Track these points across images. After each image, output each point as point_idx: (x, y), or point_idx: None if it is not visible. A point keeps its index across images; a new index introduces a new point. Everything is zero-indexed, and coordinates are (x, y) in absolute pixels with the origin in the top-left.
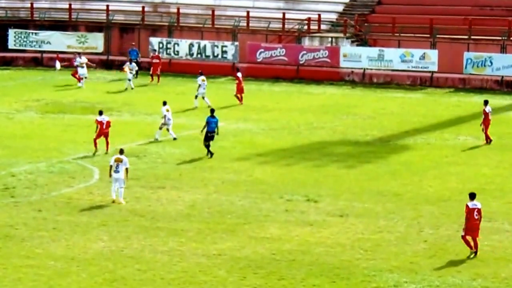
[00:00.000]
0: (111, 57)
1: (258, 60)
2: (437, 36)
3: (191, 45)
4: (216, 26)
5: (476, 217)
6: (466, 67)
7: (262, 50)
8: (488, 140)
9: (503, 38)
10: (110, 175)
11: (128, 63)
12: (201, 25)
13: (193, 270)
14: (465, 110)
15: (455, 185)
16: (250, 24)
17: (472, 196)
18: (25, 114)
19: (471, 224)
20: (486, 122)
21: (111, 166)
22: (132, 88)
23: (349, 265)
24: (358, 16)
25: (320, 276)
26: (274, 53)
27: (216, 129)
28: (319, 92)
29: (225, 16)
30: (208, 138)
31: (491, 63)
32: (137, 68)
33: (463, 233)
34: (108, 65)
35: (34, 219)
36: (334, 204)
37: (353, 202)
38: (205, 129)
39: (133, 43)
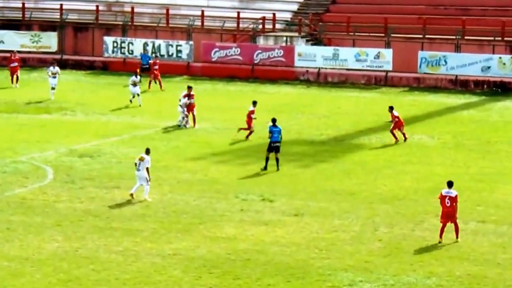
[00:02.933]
0: (65, 57)
1: (213, 60)
2: (392, 35)
3: (145, 44)
4: (170, 25)
5: (448, 204)
6: (420, 66)
7: (217, 49)
8: (400, 138)
9: (457, 37)
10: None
11: (133, 77)
12: (155, 24)
13: (148, 270)
14: (420, 109)
15: (410, 184)
16: (205, 24)
17: (450, 184)
18: None
19: (444, 211)
20: (399, 124)
21: (136, 164)
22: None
23: (304, 264)
24: (313, 15)
25: (275, 276)
26: (229, 52)
27: (280, 139)
28: (274, 91)
29: (180, 15)
30: (272, 148)
31: (446, 62)
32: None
33: (441, 220)
34: (62, 65)
35: None
36: (289, 203)
37: (308, 202)
38: (269, 139)
39: (146, 48)
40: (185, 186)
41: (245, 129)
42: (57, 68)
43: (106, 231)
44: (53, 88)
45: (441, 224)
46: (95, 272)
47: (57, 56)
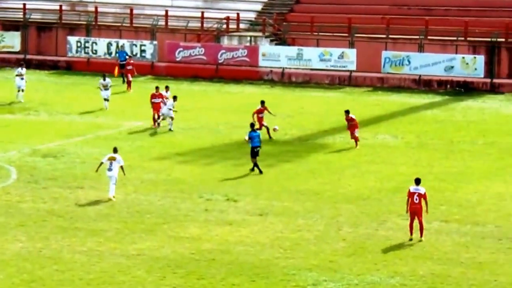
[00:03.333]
0: (28, 56)
1: (177, 59)
2: (356, 35)
3: (109, 44)
4: (134, 25)
5: (416, 201)
6: (384, 66)
7: (181, 49)
8: (352, 142)
9: (421, 37)
10: (97, 171)
11: (101, 80)
12: (119, 24)
13: (112, 270)
14: (384, 109)
15: (374, 184)
16: (169, 23)
17: (417, 181)
18: None
19: (412, 208)
20: (354, 127)
21: (101, 163)
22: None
23: (269, 264)
24: (277, 15)
25: (239, 275)
26: (193, 52)
27: (260, 143)
28: (238, 91)
29: (144, 15)
30: (255, 153)
31: (409, 62)
32: (110, 83)
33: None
34: (25, 65)
35: None
36: (254, 203)
37: (272, 201)
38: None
39: (122, 45)
40: (149, 186)
41: (259, 128)
42: (24, 70)
43: (70, 231)
44: (22, 90)
45: (407, 221)
46: (59, 272)
47: (21, 56)
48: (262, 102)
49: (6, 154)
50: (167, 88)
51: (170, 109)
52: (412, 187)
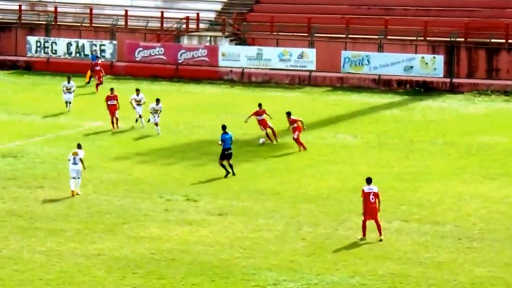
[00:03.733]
0: None
1: (137, 59)
2: (315, 35)
3: (69, 44)
4: (94, 25)
5: (372, 200)
6: (343, 66)
7: (141, 49)
8: (303, 146)
9: (380, 37)
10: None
11: (65, 82)
12: (79, 24)
13: (71, 270)
14: (343, 109)
15: (334, 184)
16: (129, 23)
17: (369, 180)
18: None
19: (369, 208)
20: (297, 129)
21: (69, 160)
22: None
23: (228, 263)
24: (237, 15)
25: (199, 275)
26: (153, 52)
27: (231, 146)
28: (198, 91)
29: (103, 15)
30: (225, 156)
31: (369, 62)
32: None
33: (363, 218)
34: None
35: None
36: (214, 203)
37: (232, 201)
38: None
39: (95, 49)
40: (109, 186)
41: (267, 133)
42: (72, 83)
43: (29, 231)
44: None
45: (361, 222)
46: (18, 272)
47: None
48: (260, 105)
49: None
50: (138, 91)
51: (156, 114)
52: (366, 187)
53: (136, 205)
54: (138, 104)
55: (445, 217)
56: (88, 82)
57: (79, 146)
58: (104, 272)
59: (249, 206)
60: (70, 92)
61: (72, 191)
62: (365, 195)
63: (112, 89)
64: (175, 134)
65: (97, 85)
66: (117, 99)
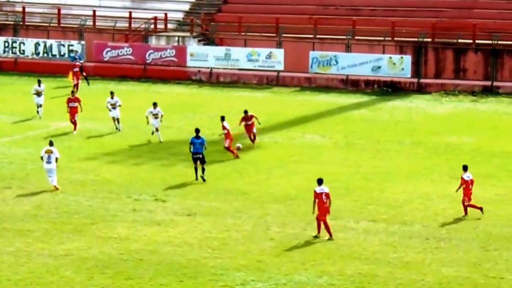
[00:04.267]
0: None
1: (105, 59)
2: (283, 35)
3: (37, 44)
4: (62, 25)
5: (325, 201)
6: (311, 66)
7: (109, 49)
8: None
9: (348, 37)
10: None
11: (36, 86)
12: (47, 24)
13: (40, 270)
14: (311, 109)
15: (301, 183)
16: (97, 23)
17: (320, 181)
18: None
19: (323, 207)
20: (228, 136)
21: (42, 157)
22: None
23: (197, 264)
24: (205, 15)
25: (168, 276)
26: (121, 52)
27: (203, 150)
28: (167, 91)
29: (71, 15)
30: (195, 159)
31: (336, 62)
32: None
33: (321, 218)
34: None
35: None
36: (182, 203)
37: (200, 201)
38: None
39: (76, 50)
40: (78, 186)
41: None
42: (43, 86)
43: None
44: (40, 106)
45: (329, 222)
46: None
47: None
48: (246, 112)
49: None
50: (112, 94)
51: (157, 119)
52: (318, 188)
53: (104, 205)
54: (114, 108)
55: (412, 217)
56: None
57: (51, 143)
58: (72, 272)
59: (217, 206)
60: (40, 95)
61: (55, 186)
62: (318, 196)
63: (73, 92)
64: (143, 135)
65: (74, 86)
66: (79, 102)
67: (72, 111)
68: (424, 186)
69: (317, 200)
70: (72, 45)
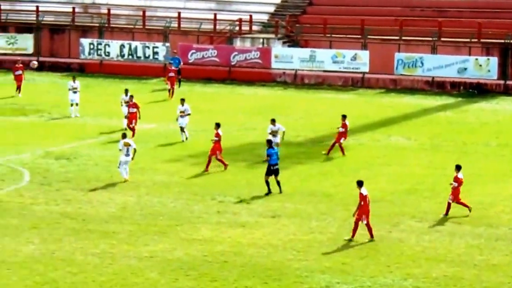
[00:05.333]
0: (41, 59)
1: (190, 61)
2: (368, 36)
3: (122, 46)
4: (147, 27)
5: (368, 203)
6: (397, 68)
7: (194, 51)
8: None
9: (434, 38)
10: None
11: (70, 81)
12: (132, 26)
13: (124, 272)
14: (396, 111)
15: (386, 186)
16: (182, 25)
17: (361, 183)
18: None
19: (367, 210)
20: (343, 134)
21: (120, 150)
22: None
23: (281, 266)
24: (290, 17)
25: (252, 278)
26: (206, 54)
27: (278, 161)
28: (251, 93)
29: (156, 17)
30: (271, 172)
31: (422, 63)
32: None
33: (364, 220)
34: (38, 67)
35: None
36: (266, 205)
37: (285, 203)
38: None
39: (175, 51)
40: (162, 188)
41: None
42: (77, 83)
43: (82, 234)
44: (76, 104)
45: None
46: (71, 274)
47: (33, 58)
48: (344, 116)
49: (19, 156)
50: (182, 100)
51: (183, 117)
52: (363, 190)
53: (189, 207)
54: (182, 116)
55: (498, 219)
56: (179, 85)
57: (124, 136)
58: (157, 274)
59: (302, 208)
60: (75, 93)
61: (125, 179)
62: (364, 198)
63: (131, 96)
64: (227, 136)
65: (169, 91)
66: (138, 108)
67: (131, 117)
68: (511, 189)
69: (362, 203)
70: (157, 47)
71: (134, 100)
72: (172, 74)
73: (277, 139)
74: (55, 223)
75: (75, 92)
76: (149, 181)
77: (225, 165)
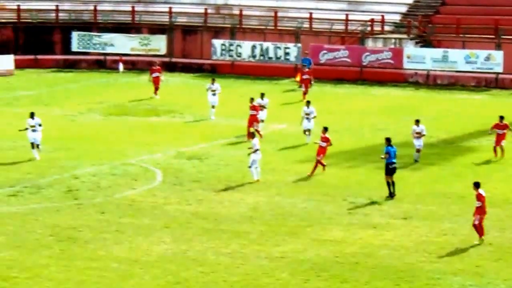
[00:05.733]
0: (173, 59)
1: (321, 62)
2: (502, 36)
3: (253, 47)
4: (278, 27)
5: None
6: None
7: (325, 51)
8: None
9: None
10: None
11: (209, 84)
12: (263, 27)
13: (255, 272)
14: None
15: None
16: (313, 26)
17: (479, 185)
18: (88, 116)
19: (484, 211)
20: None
21: (256, 150)
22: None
23: (413, 268)
24: (422, 17)
25: (383, 279)
26: (337, 54)
27: (395, 160)
28: (383, 93)
29: (288, 17)
30: (390, 171)
31: None
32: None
33: (477, 222)
34: (170, 67)
35: (97, 221)
36: (398, 206)
37: (416, 205)
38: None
39: (306, 51)
40: (293, 188)
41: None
42: (217, 85)
43: (214, 233)
44: (213, 107)
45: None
46: (203, 274)
47: (166, 59)
48: (501, 118)
49: (152, 156)
50: (262, 95)
51: (309, 120)
52: (482, 191)
53: (320, 207)
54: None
55: None
56: (300, 86)
57: (253, 135)
58: (288, 274)
59: (434, 209)
60: (214, 95)
61: (257, 180)
62: (483, 199)
63: (252, 99)
64: (358, 137)
65: (304, 94)
66: (257, 110)
67: (251, 119)
68: None
69: (481, 204)
70: (288, 48)
71: (253, 103)
72: (306, 76)
73: (420, 141)
74: (187, 223)
75: (214, 94)
76: (280, 181)
77: (323, 166)
